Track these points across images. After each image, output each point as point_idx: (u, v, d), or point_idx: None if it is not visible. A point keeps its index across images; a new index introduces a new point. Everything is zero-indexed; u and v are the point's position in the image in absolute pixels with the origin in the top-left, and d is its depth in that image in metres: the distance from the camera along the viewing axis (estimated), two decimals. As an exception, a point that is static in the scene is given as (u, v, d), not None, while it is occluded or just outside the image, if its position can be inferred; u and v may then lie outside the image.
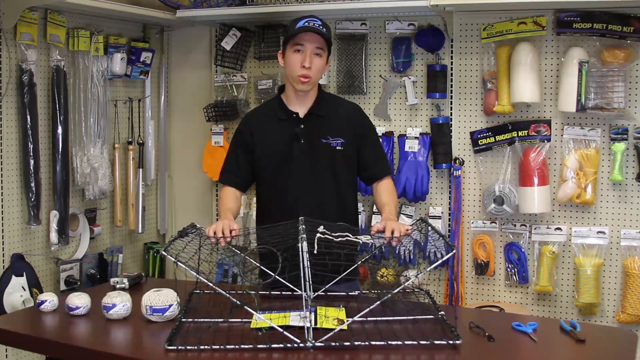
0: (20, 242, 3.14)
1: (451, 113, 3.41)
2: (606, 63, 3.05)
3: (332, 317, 2.11)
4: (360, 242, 2.18)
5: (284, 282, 2.19)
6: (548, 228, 3.24)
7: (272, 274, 2.11)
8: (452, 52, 3.39)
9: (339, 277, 2.27)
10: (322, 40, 2.55)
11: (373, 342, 1.95)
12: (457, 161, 3.37)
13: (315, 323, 2.05)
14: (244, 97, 3.74)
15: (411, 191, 3.36)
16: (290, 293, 2.24)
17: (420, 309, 2.26)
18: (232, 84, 3.75)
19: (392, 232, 2.28)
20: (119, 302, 2.24)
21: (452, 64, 3.39)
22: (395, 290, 2.10)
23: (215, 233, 2.30)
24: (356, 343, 1.95)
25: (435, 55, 3.40)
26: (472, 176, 3.40)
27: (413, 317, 2.18)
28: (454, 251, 2.05)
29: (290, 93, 2.64)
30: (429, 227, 2.31)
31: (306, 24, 2.53)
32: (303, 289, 1.97)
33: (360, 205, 3.32)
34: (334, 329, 1.98)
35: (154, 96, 3.92)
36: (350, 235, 2.13)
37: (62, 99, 3.22)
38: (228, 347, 1.94)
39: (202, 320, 2.17)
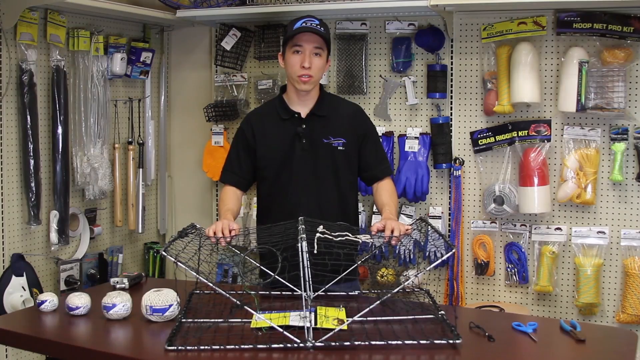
0: (20, 242, 3.14)
1: (451, 113, 3.41)
2: (606, 63, 3.05)
3: (332, 317, 2.11)
4: (360, 241, 2.18)
5: (284, 282, 2.19)
6: (548, 228, 3.24)
7: (272, 274, 2.11)
8: (452, 52, 3.39)
9: (339, 277, 2.28)
10: (321, 40, 2.55)
11: (373, 342, 1.95)
12: (457, 161, 3.37)
13: (315, 323, 2.05)
14: (244, 97, 3.73)
15: (411, 191, 3.36)
16: (290, 293, 2.24)
17: (420, 309, 2.26)
18: (232, 84, 3.75)
19: (392, 231, 2.28)
20: (119, 302, 2.23)
21: (452, 64, 3.39)
22: (395, 290, 2.09)
23: (215, 233, 2.30)
24: (356, 343, 1.95)
25: (435, 55, 3.39)
26: (472, 176, 3.40)
27: (413, 317, 2.18)
28: (453, 250, 2.05)
29: (292, 93, 2.64)
30: (429, 227, 2.31)
31: (304, 24, 2.53)
32: (303, 289, 1.97)
33: (360, 205, 3.31)
34: (334, 329, 1.98)
35: (154, 96, 3.92)
36: (350, 235, 2.14)
37: (62, 99, 3.22)
38: (228, 347, 1.94)
39: (202, 320, 2.16)
